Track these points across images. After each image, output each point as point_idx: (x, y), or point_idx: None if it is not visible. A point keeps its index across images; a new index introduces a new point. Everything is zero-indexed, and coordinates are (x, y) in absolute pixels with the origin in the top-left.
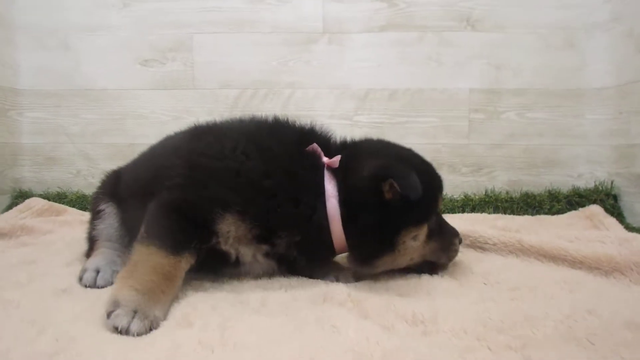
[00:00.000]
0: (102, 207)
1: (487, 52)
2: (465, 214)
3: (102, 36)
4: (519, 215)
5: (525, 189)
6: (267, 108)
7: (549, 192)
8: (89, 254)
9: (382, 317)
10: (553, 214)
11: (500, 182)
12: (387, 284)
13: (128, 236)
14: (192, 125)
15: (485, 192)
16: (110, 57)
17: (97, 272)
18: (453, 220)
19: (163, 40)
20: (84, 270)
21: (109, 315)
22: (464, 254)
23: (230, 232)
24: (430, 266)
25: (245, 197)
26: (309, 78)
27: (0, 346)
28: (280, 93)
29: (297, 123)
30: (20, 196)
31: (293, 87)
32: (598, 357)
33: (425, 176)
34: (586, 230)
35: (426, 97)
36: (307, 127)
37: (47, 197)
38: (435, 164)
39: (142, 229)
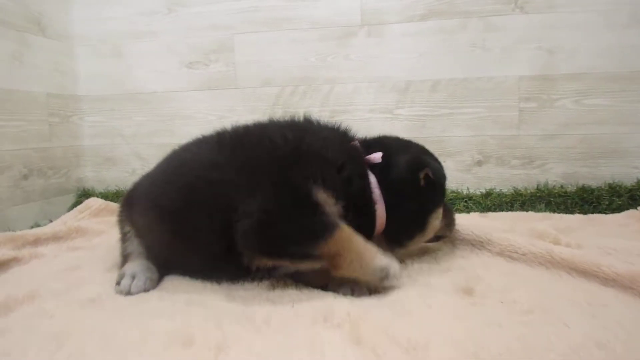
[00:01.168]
0: (126, 229)
1: (538, 35)
2: (509, 213)
3: (149, 42)
4: (574, 211)
5: (582, 182)
6: (307, 104)
7: (609, 185)
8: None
9: (375, 342)
10: (613, 210)
11: (554, 175)
12: (398, 298)
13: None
14: (212, 134)
15: (537, 186)
16: (158, 61)
17: (133, 278)
18: (489, 219)
19: (205, 43)
20: (121, 276)
21: None
22: (490, 263)
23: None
24: (437, 238)
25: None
26: (348, 72)
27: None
28: (319, 89)
29: (327, 121)
30: (84, 194)
31: (332, 82)
32: None
33: (441, 165)
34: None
35: (471, 86)
36: (339, 125)
37: (106, 195)
38: (482, 157)
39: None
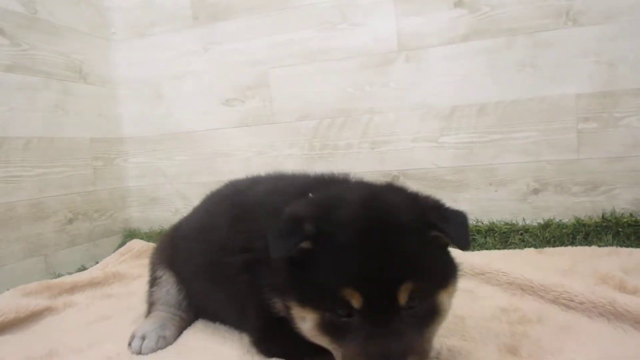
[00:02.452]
0: (159, 273)
1: (596, 48)
2: (569, 248)
3: (188, 82)
4: None
5: None
6: (346, 136)
7: None
8: (147, 312)
9: None
10: None
11: (623, 202)
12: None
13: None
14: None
15: (603, 215)
16: (196, 101)
17: (143, 339)
18: (547, 256)
19: (242, 79)
20: (132, 337)
21: None
22: (542, 313)
23: None
24: None
25: None
26: (388, 101)
27: None
28: (358, 120)
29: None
30: (130, 235)
31: (371, 112)
32: None
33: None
34: None
35: (523, 108)
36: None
37: (150, 235)
38: (538, 185)
39: None
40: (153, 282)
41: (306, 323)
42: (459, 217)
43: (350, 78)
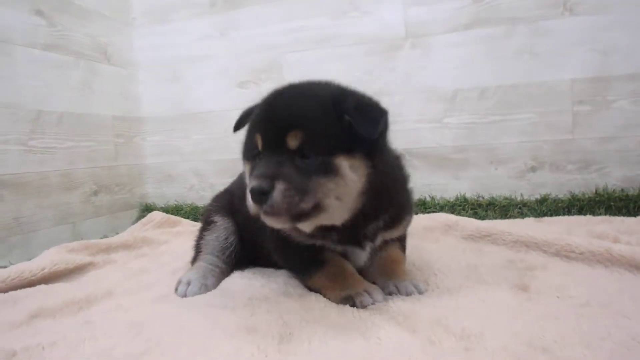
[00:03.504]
0: (214, 218)
1: (590, 37)
2: (565, 217)
3: (204, 65)
4: (637, 214)
5: None
6: None
7: None
8: (193, 261)
9: (430, 331)
10: None
11: (614, 178)
12: (450, 295)
13: (235, 249)
14: None
15: (596, 190)
16: (213, 83)
17: (188, 284)
18: (545, 224)
19: (256, 63)
20: (178, 283)
21: None
22: (546, 263)
23: None
24: None
25: None
26: (395, 84)
27: (106, 344)
28: None
29: None
30: (146, 209)
31: (379, 94)
32: None
33: None
34: None
35: (521, 92)
36: None
37: (166, 209)
38: (536, 163)
39: None
40: (206, 227)
41: (246, 175)
42: (372, 111)
43: (360, 63)
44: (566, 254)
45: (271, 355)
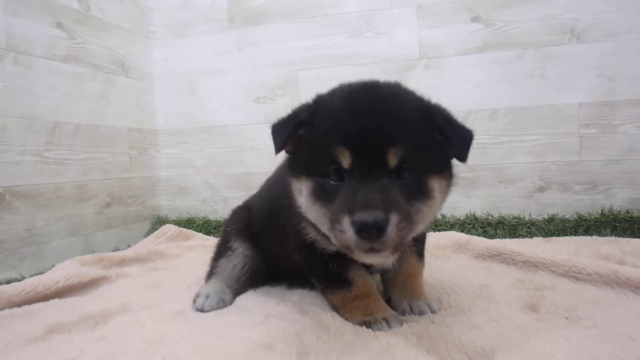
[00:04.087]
0: (233, 244)
1: (597, 62)
2: (572, 237)
3: (220, 79)
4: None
5: None
6: None
7: None
8: (208, 278)
9: (444, 351)
10: None
11: (620, 200)
12: (463, 315)
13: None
14: None
15: (602, 211)
16: (228, 97)
17: (207, 298)
18: (553, 244)
19: (272, 79)
20: (197, 295)
21: None
22: (554, 283)
23: None
24: None
25: None
26: None
27: None
28: None
29: None
30: (158, 222)
31: None
32: None
33: None
34: None
35: (531, 114)
36: None
37: (179, 222)
38: (544, 183)
39: None
40: (223, 252)
41: (302, 194)
42: (465, 132)
43: None
44: (574, 274)
45: None
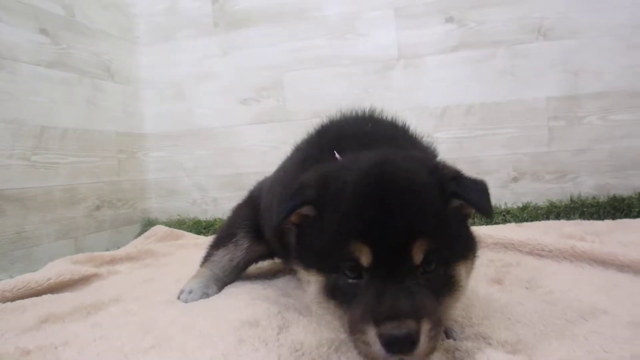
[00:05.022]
0: (238, 238)
1: (563, 59)
2: (543, 222)
3: (207, 82)
4: (606, 219)
5: (613, 192)
6: None
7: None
8: (202, 263)
9: None
10: None
11: (587, 187)
12: None
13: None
14: None
15: (571, 198)
16: (215, 100)
17: (190, 293)
18: (524, 228)
19: (258, 81)
20: (181, 292)
21: None
22: (520, 261)
23: None
24: None
25: None
26: (389, 102)
27: (116, 342)
28: None
29: None
30: (149, 224)
31: None
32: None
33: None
34: None
35: (503, 109)
36: None
37: (169, 223)
38: (517, 174)
39: None
40: (224, 243)
41: (311, 287)
42: (480, 185)
43: (356, 81)
44: (538, 252)
45: (271, 344)
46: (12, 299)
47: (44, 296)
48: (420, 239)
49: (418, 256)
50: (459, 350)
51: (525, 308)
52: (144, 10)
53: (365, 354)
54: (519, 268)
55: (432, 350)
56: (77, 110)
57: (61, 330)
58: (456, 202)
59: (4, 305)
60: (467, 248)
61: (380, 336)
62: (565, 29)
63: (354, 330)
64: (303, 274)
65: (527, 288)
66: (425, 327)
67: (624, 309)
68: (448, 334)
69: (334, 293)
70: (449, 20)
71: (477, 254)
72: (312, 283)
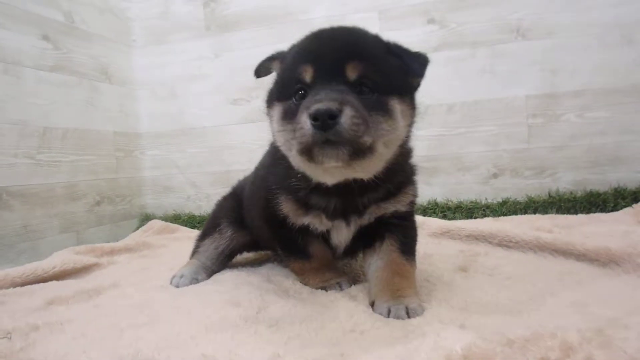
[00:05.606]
0: (221, 225)
1: (540, 58)
2: (518, 216)
3: (199, 83)
4: (583, 214)
5: (590, 187)
6: None
7: (615, 190)
8: (192, 256)
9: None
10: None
11: (565, 182)
12: None
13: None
14: None
15: (549, 193)
16: (207, 100)
17: (181, 277)
18: (500, 222)
19: (247, 82)
20: (172, 277)
21: None
22: (489, 251)
23: None
24: None
25: None
26: None
27: (114, 319)
28: None
29: None
30: (145, 219)
31: None
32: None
33: None
34: (625, 227)
35: (483, 107)
36: None
37: (165, 218)
38: (497, 170)
39: None
40: (209, 233)
41: (274, 119)
42: (420, 55)
43: None
44: (506, 243)
45: (250, 320)
46: (22, 285)
47: (50, 282)
48: (355, 61)
49: (352, 74)
50: (412, 325)
51: (482, 291)
52: (139, 14)
53: (301, 141)
54: (486, 257)
55: (354, 137)
56: (76, 111)
57: (66, 310)
58: (397, 61)
59: (14, 289)
60: (405, 88)
61: (309, 116)
62: (543, 30)
63: (295, 127)
64: (270, 113)
65: (489, 275)
66: (348, 112)
67: (570, 292)
68: (410, 314)
69: (288, 114)
70: (431, 21)
71: (415, 112)
72: (275, 115)
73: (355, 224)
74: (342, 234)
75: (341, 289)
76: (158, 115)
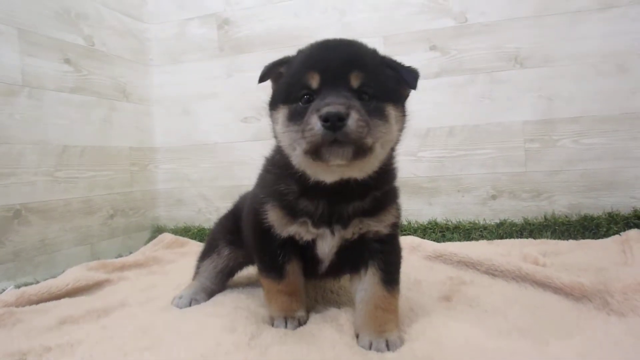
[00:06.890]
0: (220, 246)
1: (538, 85)
2: (511, 240)
3: (212, 102)
4: (577, 237)
5: (585, 212)
6: None
7: (608, 214)
8: (194, 277)
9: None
10: (611, 236)
11: (560, 206)
12: None
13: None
14: None
15: (545, 216)
16: (219, 117)
17: (180, 298)
18: (493, 246)
19: (258, 101)
20: (173, 298)
21: None
22: (475, 279)
23: None
24: None
25: None
26: None
27: (119, 342)
28: None
29: None
30: (157, 230)
31: None
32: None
33: None
34: (609, 257)
35: (482, 131)
36: None
37: (176, 230)
38: (495, 192)
39: None
40: (209, 254)
41: (279, 122)
42: (412, 69)
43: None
44: (492, 272)
45: (242, 347)
46: (37, 302)
47: (63, 300)
48: (358, 71)
49: (355, 82)
50: (387, 359)
51: (458, 324)
52: (156, 35)
53: (310, 140)
54: (471, 287)
55: (358, 137)
56: (94, 129)
57: (76, 330)
58: (391, 72)
59: (30, 307)
60: (397, 98)
61: (319, 117)
62: (540, 58)
63: (304, 128)
64: (274, 116)
65: (470, 306)
66: (354, 115)
67: (539, 328)
68: (389, 347)
69: (294, 116)
70: (432, 48)
71: (405, 119)
72: (279, 118)
73: (339, 234)
74: (327, 244)
75: (299, 324)
76: (172, 131)
